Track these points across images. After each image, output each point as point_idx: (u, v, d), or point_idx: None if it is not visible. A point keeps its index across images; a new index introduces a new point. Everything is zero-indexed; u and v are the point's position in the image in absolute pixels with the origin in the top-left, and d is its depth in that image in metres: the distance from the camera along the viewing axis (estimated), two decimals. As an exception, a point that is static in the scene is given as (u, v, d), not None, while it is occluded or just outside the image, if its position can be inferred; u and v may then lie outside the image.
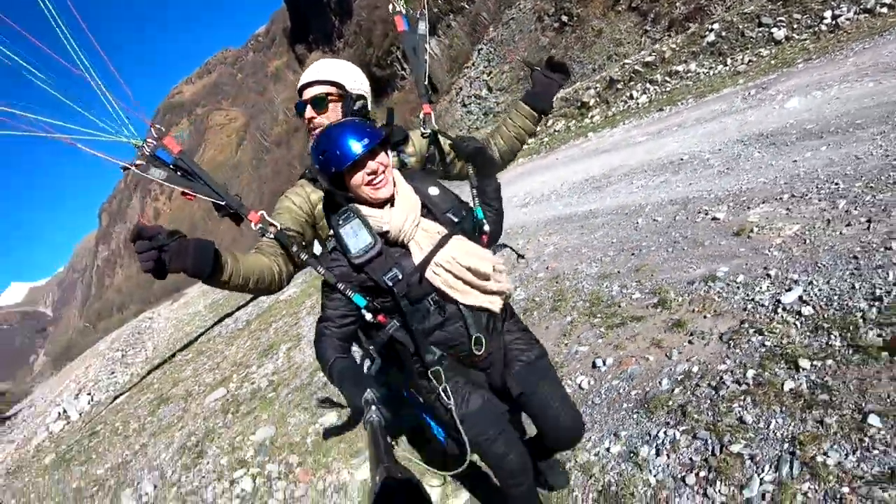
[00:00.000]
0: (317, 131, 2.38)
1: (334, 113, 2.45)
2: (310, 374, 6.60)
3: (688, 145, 9.12)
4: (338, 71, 2.50)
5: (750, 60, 14.40)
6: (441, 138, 2.64)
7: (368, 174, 2.03)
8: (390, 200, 2.12)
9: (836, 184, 4.85)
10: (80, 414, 17.23)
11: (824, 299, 3.30)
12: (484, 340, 2.18)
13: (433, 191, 2.26)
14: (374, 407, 1.77)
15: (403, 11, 2.82)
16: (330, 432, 4.74)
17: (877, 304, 3.04)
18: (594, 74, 24.02)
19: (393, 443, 1.59)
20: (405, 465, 1.32)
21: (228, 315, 16.64)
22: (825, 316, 3.16)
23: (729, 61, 15.35)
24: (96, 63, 2.25)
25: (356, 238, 2.05)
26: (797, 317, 3.27)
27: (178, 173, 2.34)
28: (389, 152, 2.17)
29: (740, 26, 15.84)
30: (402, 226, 2.08)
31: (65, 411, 19.79)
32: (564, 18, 28.18)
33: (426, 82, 2.73)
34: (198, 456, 5.76)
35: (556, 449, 2.80)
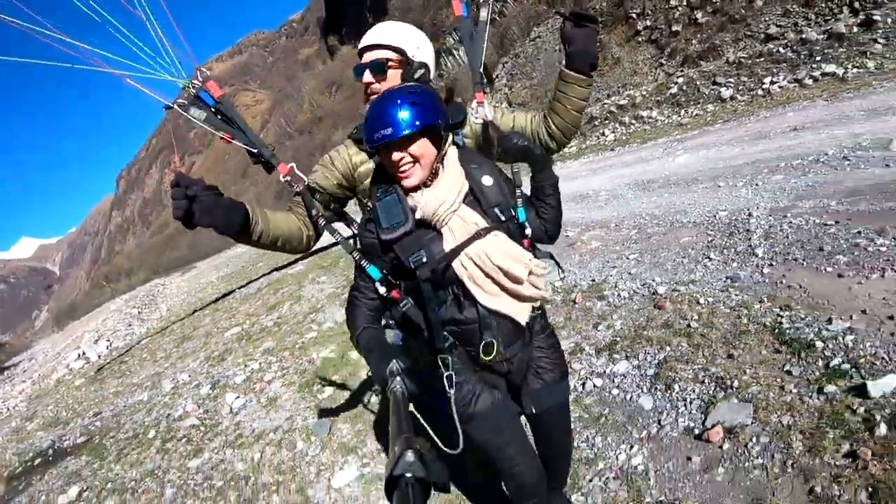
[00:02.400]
0: (375, 97, 2.26)
1: (394, 80, 2.40)
2: (304, 316, 9.21)
3: (601, 184, 11.65)
4: (401, 35, 2.46)
5: (696, 114, 16.55)
6: (490, 129, 2.50)
7: (394, 161, 1.98)
8: (428, 182, 2.06)
9: (644, 219, 7.55)
10: (100, 356, 19.21)
11: (570, 279, 6.15)
12: (495, 347, 2.09)
13: (486, 180, 2.15)
14: (398, 378, 1.76)
15: None
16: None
17: (591, 283, 5.84)
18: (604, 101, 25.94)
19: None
20: (425, 440, 1.31)
21: (242, 287, 18.10)
22: (563, 287, 5.99)
23: (682, 112, 17.49)
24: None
25: (390, 214, 2.03)
26: (552, 287, 6.04)
27: (218, 117, 2.36)
28: (446, 137, 2.09)
29: (699, 83, 17.99)
30: (437, 209, 2.00)
31: (84, 353, 22.10)
32: (588, 42, 29.69)
33: (481, 70, 2.63)
34: (220, 361, 8.36)
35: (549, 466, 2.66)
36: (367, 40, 2.44)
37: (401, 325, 2.22)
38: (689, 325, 4.20)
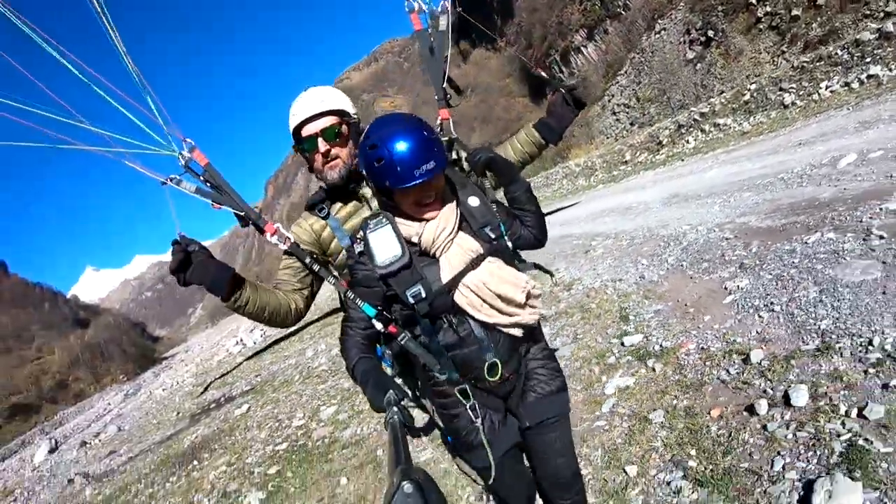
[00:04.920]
0: (335, 162, 2.39)
1: (348, 142, 2.41)
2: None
3: (648, 196, 13.36)
4: (337, 98, 2.43)
5: (759, 122, 17.27)
6: (457, 146, 2.51)
7: (421, 197, 1.97)
8: None
9: (640, 231, 9.75)
10: (254, 343, 24.37)
11: (558, 277, 8.79)
12: (500, 366, 2.10)
13: (473, 201, 2.16)
14: (395, 408, 1.73)
15: (424, 8, 2.67)
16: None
17: (572, 280, 8.48)
18: (673, 114, 26.39)
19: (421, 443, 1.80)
20: (425, 469, 1.33)
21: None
22: (551, 282, 8.67)
23: (751, 120, 18.11)
24: (129, 86, 2.37)
25: (385, 247, 1.98)
26: (563, 286, 8.71)
27: (207, 184, 2.42)
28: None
29: (767, 89, 18.61)
30: (437, 237, 2.00)
31: (241, 340, 27.34)
32: (710, 33, 29.64)
33: (444, 84, 2.59)
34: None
35: (550, 497, 2.49)
36: (305, 111, 2.37)
37: (398, 359, 2.28)
38: (590, 306, 6.93)
